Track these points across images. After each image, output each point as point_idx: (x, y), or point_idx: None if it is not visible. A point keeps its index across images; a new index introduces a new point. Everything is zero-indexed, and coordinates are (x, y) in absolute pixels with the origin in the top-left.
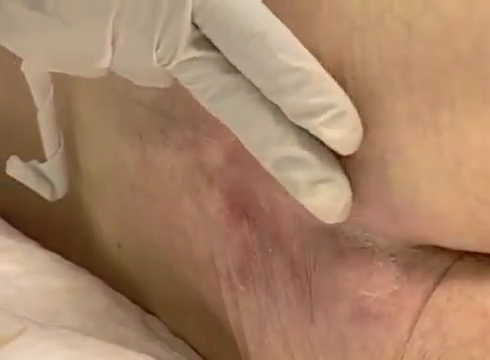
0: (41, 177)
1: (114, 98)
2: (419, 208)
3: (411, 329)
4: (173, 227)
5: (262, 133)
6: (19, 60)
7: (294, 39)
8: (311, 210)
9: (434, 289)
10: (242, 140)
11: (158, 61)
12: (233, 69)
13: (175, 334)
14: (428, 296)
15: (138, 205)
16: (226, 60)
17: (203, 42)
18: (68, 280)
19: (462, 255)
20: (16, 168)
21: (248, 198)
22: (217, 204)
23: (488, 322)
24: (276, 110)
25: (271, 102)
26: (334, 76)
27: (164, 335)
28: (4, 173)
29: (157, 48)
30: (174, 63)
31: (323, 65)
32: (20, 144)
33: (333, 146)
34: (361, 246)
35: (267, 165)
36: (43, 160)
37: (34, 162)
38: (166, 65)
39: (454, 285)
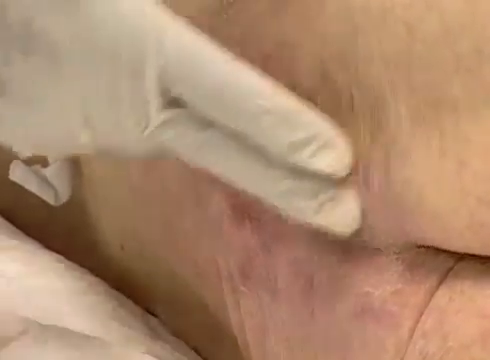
0: (44, 182)
1: None
2: (423, 210)
3: (413, 328)
4: (175, 229)
5: (256, 175)
6: None
7: (264, 79)
8: (325, 229)
9: (437, 289)
10: (237, 185)
11: (133, 132)
12: (210, 122)
13: (177, 336)
14: (431, 296)
15: (140, 207)
16: (201, 114)
17: (174, 102)
18: (71, 280)
19: (464, 256)
20: (19, 173)
21: (251, 198)
22: (219, 205)
23: (489, 323)
24: (262, 151)
25: (255, 146)
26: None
27: (167, 336)
28: (6, 174)
29: (128, 122)
30: (148, 131)
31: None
32: None
33: (326, 173)
34: (366, 242)
35: (270, 203)
36: (46, 164)
37: (37, 167)
38: (142, 132)
39: (456, 286)
